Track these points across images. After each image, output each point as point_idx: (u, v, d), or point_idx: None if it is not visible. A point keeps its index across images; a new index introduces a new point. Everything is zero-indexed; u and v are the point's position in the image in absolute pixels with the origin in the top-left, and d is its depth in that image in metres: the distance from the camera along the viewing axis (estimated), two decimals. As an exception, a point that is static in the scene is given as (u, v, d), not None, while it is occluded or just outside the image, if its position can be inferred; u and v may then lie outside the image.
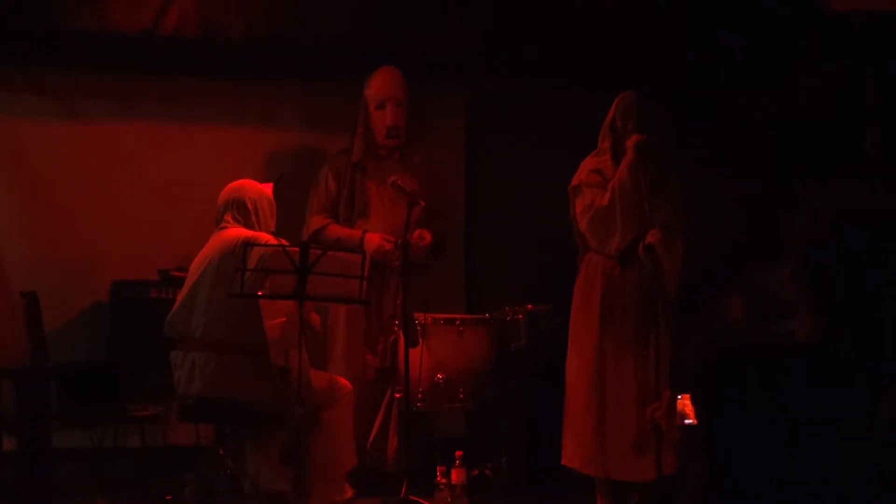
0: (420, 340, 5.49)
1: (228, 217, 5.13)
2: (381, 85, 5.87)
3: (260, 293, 4.80)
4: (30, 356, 5.31)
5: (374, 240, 5.76)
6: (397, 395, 5.52)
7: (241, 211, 5.13)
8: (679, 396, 3.02)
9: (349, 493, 5.40)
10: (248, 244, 4.79)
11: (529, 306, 5.84)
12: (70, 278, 6.04)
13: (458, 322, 5.65)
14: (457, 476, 5.34)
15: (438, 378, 5.53)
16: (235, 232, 5.04)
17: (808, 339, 2.73)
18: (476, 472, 5.67)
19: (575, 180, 5.36)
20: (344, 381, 5.26)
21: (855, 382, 2.74)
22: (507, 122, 6.51)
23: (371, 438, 5.65)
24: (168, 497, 5.33)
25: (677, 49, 6.06)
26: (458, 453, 5.38)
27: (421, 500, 5.16)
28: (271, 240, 5.01)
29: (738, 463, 2.79)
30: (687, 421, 3.03)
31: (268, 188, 5.29)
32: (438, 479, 5.34)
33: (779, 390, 2.76)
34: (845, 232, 2.89)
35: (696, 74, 6.11)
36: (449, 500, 5.28)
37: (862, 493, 2.81)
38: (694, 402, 2.92)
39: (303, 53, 6.12)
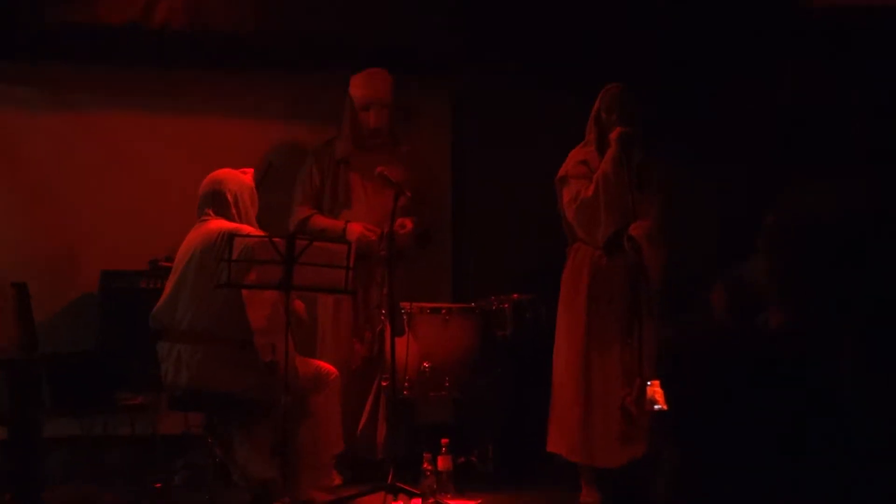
0: (406, 329, 5.52)
1: (209, 210, 5.15)
2: (365, 88, 5.88)
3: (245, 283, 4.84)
4: (20, 346, 5.34)
5: (355, 229, 5.79)
6: (384, 384, 5.56)
7: (222, 204, 5.14)
8: (649, 383, 3.07)
9: (337, 480, 5.46)
10: (232, 235, 4.83)
11: (515, 296, 5.87)
12: (60, 269, 6.07)
13: (444, 311, 5.69)
14: (443, 463, 5.36)
15: (425, 366, 5.56)
16: (217, 224, 5.06)
17: (776, 330, 2.78)
18: (462, 459, 5.70)
19: (561, 171, 5.40)
20: (330, 368, 5.30)
21: (821, 373, 2.79)
22: (493, 114, 6.51)
23: (360, 427, 5.71)
24: (158, 485, 5.36)
25: (663, 45, 6.09)
26: (445, 441, 5.40)
27: (407, 487, 5.20)
28: (253, 231, 5.05)
29: (710, 450, 2.83)
30: (657, 407, 3.07)
31: (248, 173, 5.31)
32: (425, 466, 5.37)
33: (748, 380, 2.81)
34: (820, 231, 2.93)
35: (684, 71, 6.14)
36: (435, 487, 5.30)
37: (833, 480, 2.86)
38: (664, 388, 2.98)
39: (290, 46, 6.16)
